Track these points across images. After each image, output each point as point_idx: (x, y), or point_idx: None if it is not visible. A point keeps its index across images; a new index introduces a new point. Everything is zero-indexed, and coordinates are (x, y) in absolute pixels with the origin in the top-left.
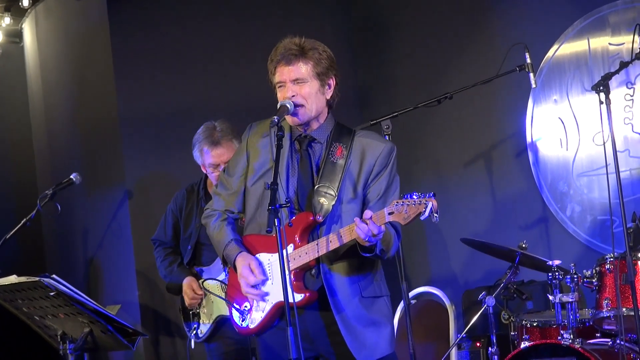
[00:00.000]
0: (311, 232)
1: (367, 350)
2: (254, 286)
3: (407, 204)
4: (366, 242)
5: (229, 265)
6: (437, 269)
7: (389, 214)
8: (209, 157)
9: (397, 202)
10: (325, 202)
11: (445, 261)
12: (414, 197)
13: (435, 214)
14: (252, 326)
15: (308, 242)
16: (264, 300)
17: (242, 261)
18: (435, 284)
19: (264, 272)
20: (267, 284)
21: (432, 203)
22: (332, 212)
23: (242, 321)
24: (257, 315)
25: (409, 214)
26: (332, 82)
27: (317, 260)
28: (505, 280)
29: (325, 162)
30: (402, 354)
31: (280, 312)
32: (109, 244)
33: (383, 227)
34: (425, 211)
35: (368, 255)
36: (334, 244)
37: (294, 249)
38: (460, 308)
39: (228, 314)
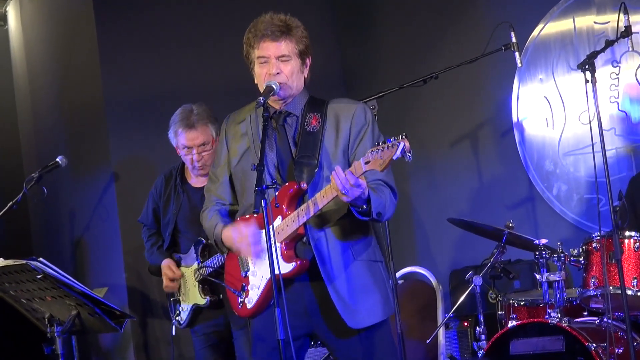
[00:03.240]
0: (298, 202)
1: (360, 316)
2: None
3: (381, 150)
4: (343, 195)
5: (225, 249)
6: (424, 249)
7: (365, 163)
8: (183, 139)
9: (372, 150)
10: (308, 170)
11: (432, 241)
12: (387, 142)
13: (408, 153)
14: (250, 306)
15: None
16: (257, 278)
17: (228, 231)
18: (422, 264)
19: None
20: (258, 261)
21: (404, 143)
22: (315, 180)
23: (240, 303)
24: (253, 294)
25: (384, 159)
26: (309, 60)
27: (306, 228)
28: (492, 260)
29: (301, 132)
30: None
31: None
32: (96, 227)
33: (363, 181)
34: (397, 152)
35: (365, 218)
36: (318, 205)
37: (282, 219)
38: (448, 288)
39: (203, 303)
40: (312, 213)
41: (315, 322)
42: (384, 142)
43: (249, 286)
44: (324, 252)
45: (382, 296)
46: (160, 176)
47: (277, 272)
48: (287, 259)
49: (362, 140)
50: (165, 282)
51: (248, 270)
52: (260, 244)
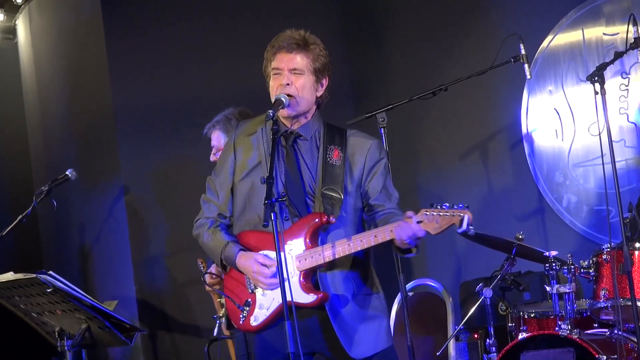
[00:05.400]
0: (319, 235)
1: (361, 347)
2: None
3: (440, 214)
4: (406, 244)
5: (229, 267)
6: (434, 261)
7: (418, 222)
8: (218, 142)
9: (427, 212)
10: (335, 204)
11: (442, 253)
12: (445, 207)
13: (471, 227)
14: (254, 324)
15: (318, 243)
16: (267, 298)
17: (247, 259)
18: (433, 276)
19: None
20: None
21: (467, 215)
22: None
23: (243, 318)
24: (260, 314)
25: (441, 225)
26: (325, 81)
27: None
28: (502, 272)
29: (324, 164)
30: (399, 347)
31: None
32: (106, 239)
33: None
34: (463, 224)
35: (408, 255)
36: (365, 244)
37: (306, 249)
38: (458, 300)
39: (221, 313)
40: (362, 247)
41: (317, 344)
42: (440, 207)
43: (257, 304)
44: (327, 284)
45: (383, 327)
46: None
47: (286, 283)
48: (307, 290)
49: (375, 175)
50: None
51: (255, 288)
52: (276, 277)
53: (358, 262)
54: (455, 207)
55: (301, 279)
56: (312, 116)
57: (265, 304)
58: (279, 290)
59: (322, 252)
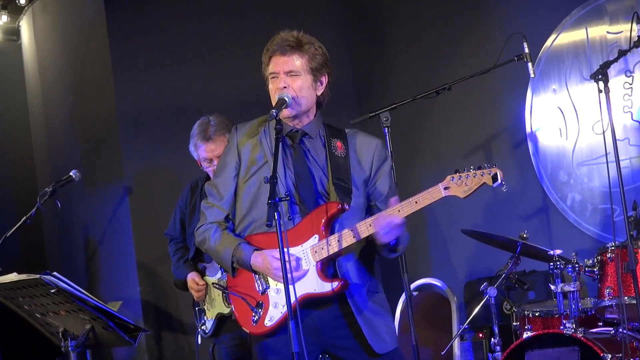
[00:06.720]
0: (334, 223)
1: (383, 342)
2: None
3: (468, 176)
4: (386, 237)
5: (237, 271)
6: (438, 261)
7: (445, 188)
8: (203, 151)
9: (453, 176)
10: (347, 193)
11: (447, 253)
12: (471, 169)
13: (503, 183)
14: (270, 324)
15: (332, 232)
16: (281, 296)
17: (264, 257)
18: (437, 276)
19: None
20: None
21: (499, 171)
22: (352, 204)
23: (256, 321)
24: (276, 313)
25: (471, 186)
26: (325, 79)
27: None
28: (506, 271)
29: (331, 157)
30: (404, 346)
31: (302, 305)
32: (110, 240)
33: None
34: (498, 178)
35: (394, 255)
36: (365, 233)
37: (320, 239)
38: (462, 299)
39: (227, 312)
40: (353, 240)
41: (327, 342)
42: (466, 170)
43: (270, 304)
44: (348, 276)
45: (393, 324)
46: (186, 186)
47: (290, 281)
48: (326, 279)
49: (382, 176)
50: (194, 294)
51: (268, 288)
52: (299, 271)
53: (368, 258)
54: (482, 167)
55: (319, 266)
56: (314, 115)
57: (280, 301)
58: (296, 285)
59: (339, 239)
